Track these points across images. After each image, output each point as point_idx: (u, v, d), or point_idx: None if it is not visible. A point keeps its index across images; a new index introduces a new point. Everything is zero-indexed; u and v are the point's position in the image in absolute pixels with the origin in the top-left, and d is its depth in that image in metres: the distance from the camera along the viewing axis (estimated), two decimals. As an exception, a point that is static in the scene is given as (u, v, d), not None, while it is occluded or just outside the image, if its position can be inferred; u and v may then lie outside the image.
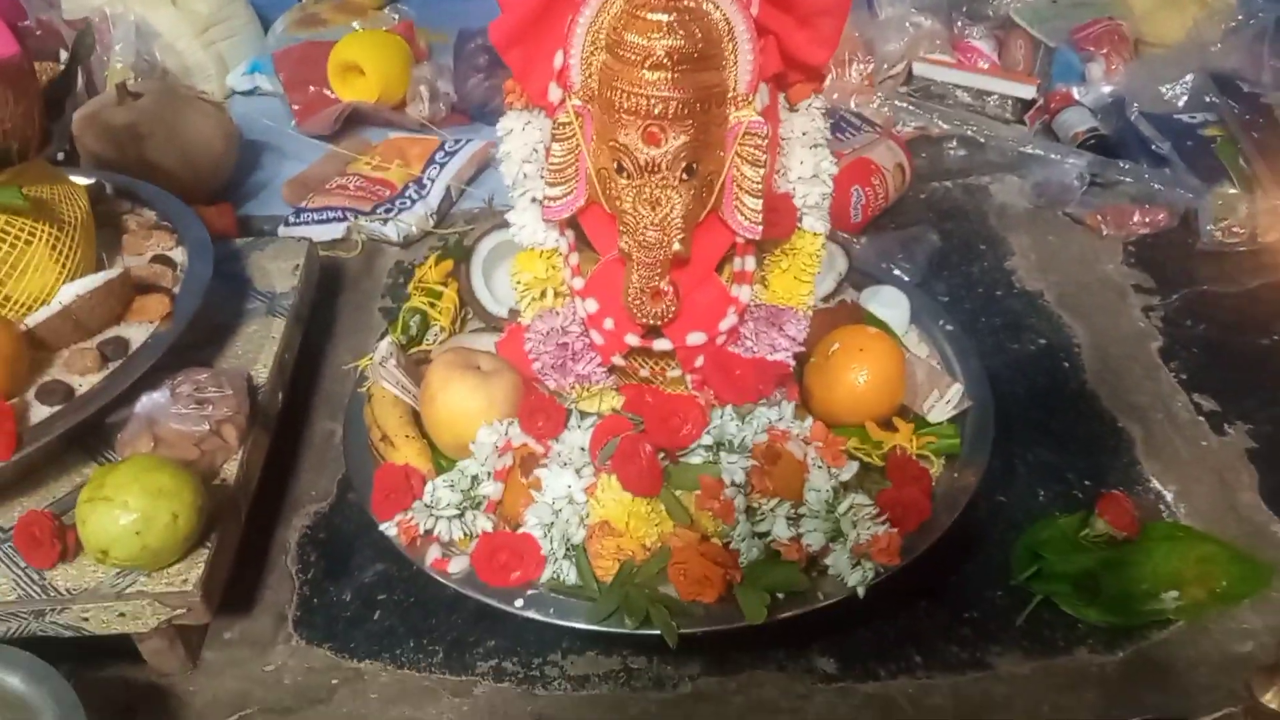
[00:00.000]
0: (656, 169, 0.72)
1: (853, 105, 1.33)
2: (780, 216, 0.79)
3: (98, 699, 0.65)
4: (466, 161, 1.33)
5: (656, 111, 0.70)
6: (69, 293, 0.80)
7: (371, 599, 0.82)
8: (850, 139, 1.23)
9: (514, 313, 0.92)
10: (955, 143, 1.30)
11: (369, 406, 0.87)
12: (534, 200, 0.82)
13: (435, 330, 0.96)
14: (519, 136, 0.81)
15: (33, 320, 0.79)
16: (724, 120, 0.73)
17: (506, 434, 0.79)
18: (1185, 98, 1.24)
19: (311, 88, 1.51)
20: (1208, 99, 1.21)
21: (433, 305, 0.96)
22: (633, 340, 0.79)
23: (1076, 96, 1.32)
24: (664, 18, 0.69)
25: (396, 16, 1.62)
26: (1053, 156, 1.21)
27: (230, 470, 0.79)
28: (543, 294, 0.84)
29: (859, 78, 1.38)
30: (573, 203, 0.77)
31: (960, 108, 1.33)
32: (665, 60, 0.69)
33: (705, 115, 0.72)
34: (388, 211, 1.24)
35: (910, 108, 1.30)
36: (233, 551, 0.77)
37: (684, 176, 0.72)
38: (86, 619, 0.71)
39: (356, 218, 1.23)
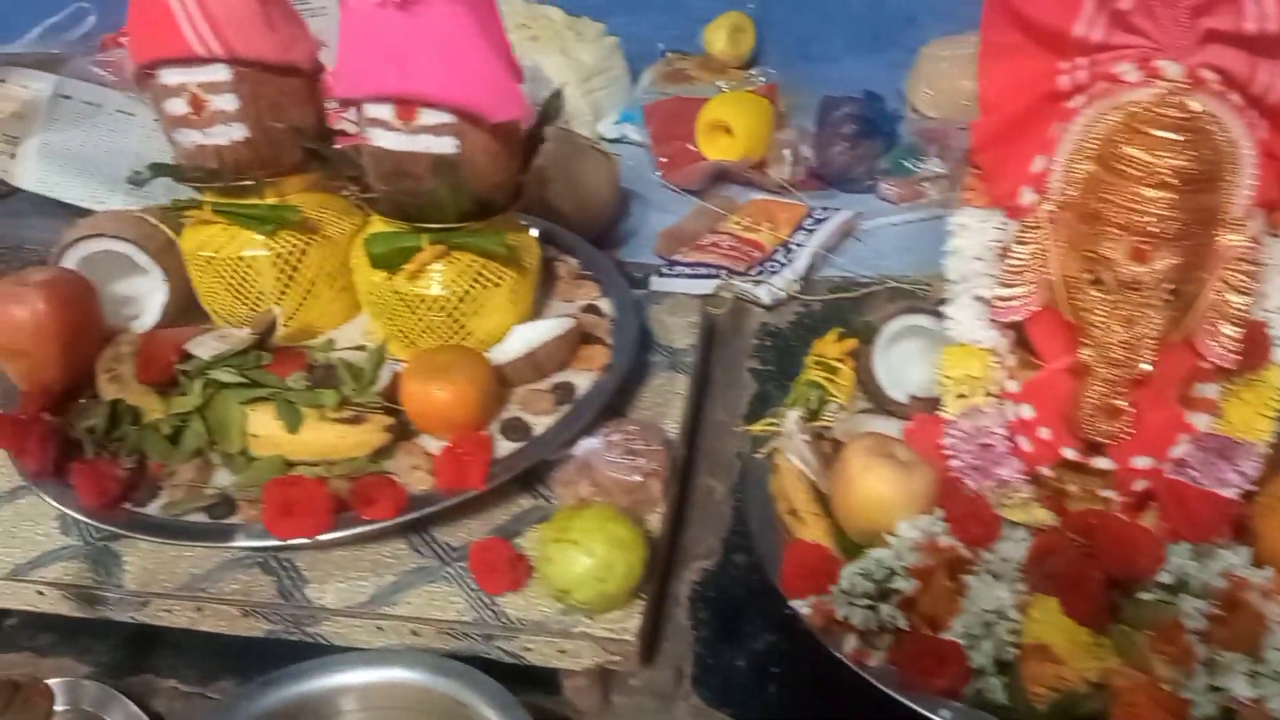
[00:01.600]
0: (1139, 286, 0.70)
1: None
2: (1254, 346, 0.75)
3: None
4: (833, 231, 1.34)
5: (1151, 230, 0.68)
6: (534, 336, 0.87)
7: (765, 669, 0.83)
8: None
9: (918, 401, 0.92)
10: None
11: (774, 477, 0.89)
12: (976, 298, 0.82)
13: (832, 406, 0.97)
14: (974, 234, 0.81)
15: (503, 359, 0.86)
16: (1212, 243, 0.70)
17: (930, 531, 0.78)
18: None
19: (678, 142, 1.57)
20: None
21: (831, 381, 0.97)
22: (1070, 454, 0.77)
23: None
24: (1175, 136, 0.67)
25: (764, 78, 1.67)
26: None
27: (653, 523, 0.83)
28: (969, 391, 0.83)
29: None
30: (1026, 307, 0.76)
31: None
32: (1171, 180, 0.67)
33: (1198, 237, 0.69)
34: (759, 273, 1.27)
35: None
36: (657, 606, 0.81)
37: (1167, 298, 0.70)
38: (529, 649, 0.75)
39: (729, 276, 1.26)
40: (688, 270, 1.29)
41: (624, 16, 1.73)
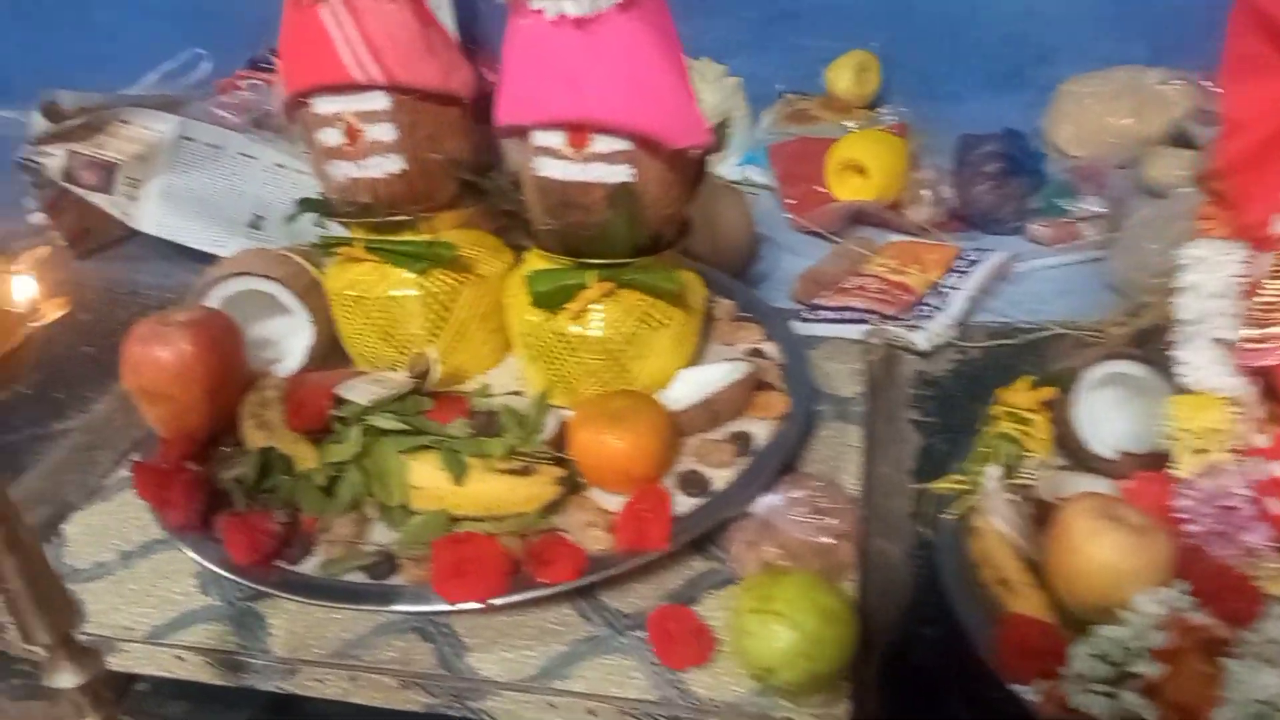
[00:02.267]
0: None
1: None
2: None
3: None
4: (988, 274, 1.26)
5: None
6: (708, 381, 0.80)
7: (974, 760, 0.74)
8: None
9: (1132, 457, 0.83)
10: None
11: (975, 541, 0.80)
12: (1215, 340, 0.73)
13: (1028, 462, 0.88)
14: (1212, 268, 0.73)
15: (677, 405, 0.79)
16: None
17: (1176, 606, 0.68)
18: None
19: (805, 183, 1.50)
20: None
21: (1025, 433, 0.88)
22: (1337, 519, 0.67)
23: None
24: None
25: (894, 117, 1.60)
26: None
27: (848, 591, 0.74)
28: (1207, 447, 0.74)
29: None
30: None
31: None
32: None
33: None
34: (912, 318, 1.18)
35: None
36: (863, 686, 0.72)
37: None
38: (722, 733, 0.67)
39: (880, 321, 1.18)
40: (832, 315, 1.22)
41: (745, 58, 1.68)
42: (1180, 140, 1.48)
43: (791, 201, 1.50)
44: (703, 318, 0.88)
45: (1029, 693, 0.69)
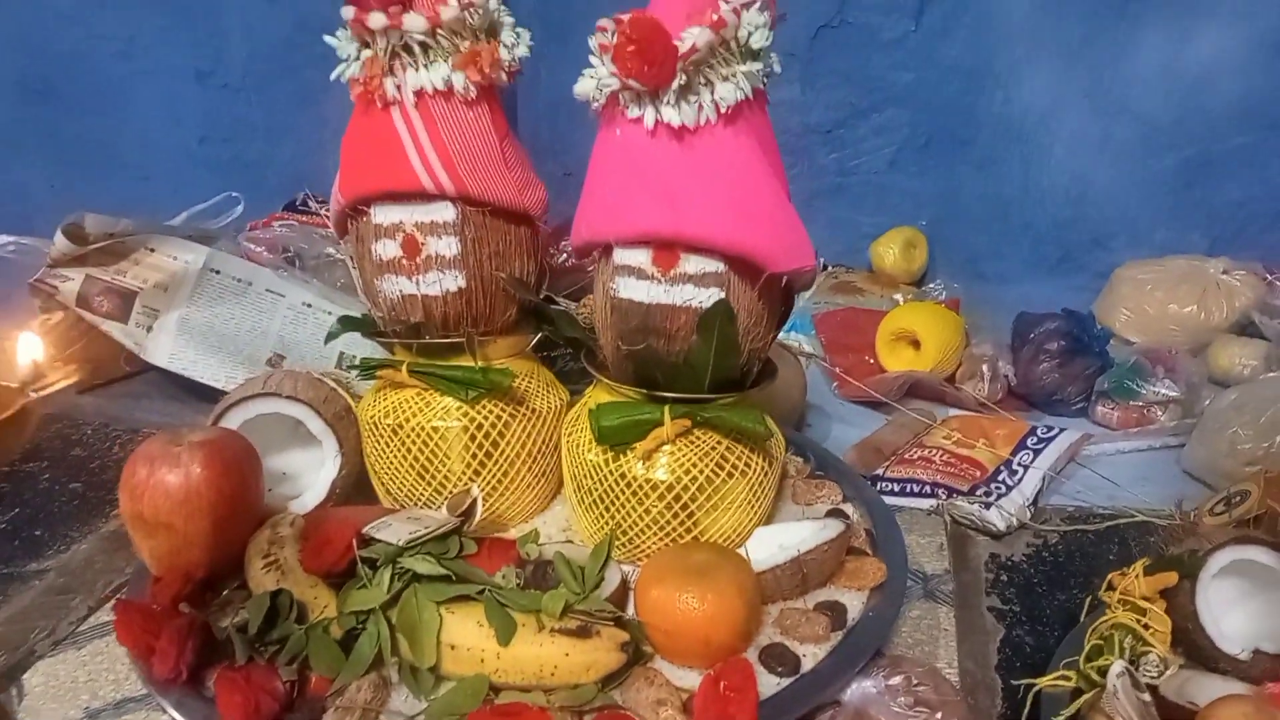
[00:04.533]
0: None
1: None
2: None
3: None
4: (1062, 453, 1.17)
5: None
6: (793, 541, 0.69)
7: None
8: None
9: (1265, 656, 0.71)
10: None
11: (1105, 750, 0.67)
12: None
13: (1151, 659, 0.76)
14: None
15: (761, 566, 0.68)
16: None
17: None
18: None
19: (854, 353, 1.44)
20: None
21: (1144, 626, 0.77)
22: None
23: None
24: None
25: (944, 292, 1.55)
26: None
27: (960, 803, 0.61)
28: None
29: None
30: None
31: None
32: None
33: None
34: (987, 495, 1.08)
35: None
36: None
37: None
38: None
39: (950, 496, 1.08)
40: (896, 487, 1.12)
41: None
42: (1247, 330, 1.43)
43: (839, 370, 1.43)
44: (778, 471, 0.78)
45: None
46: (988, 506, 1.07)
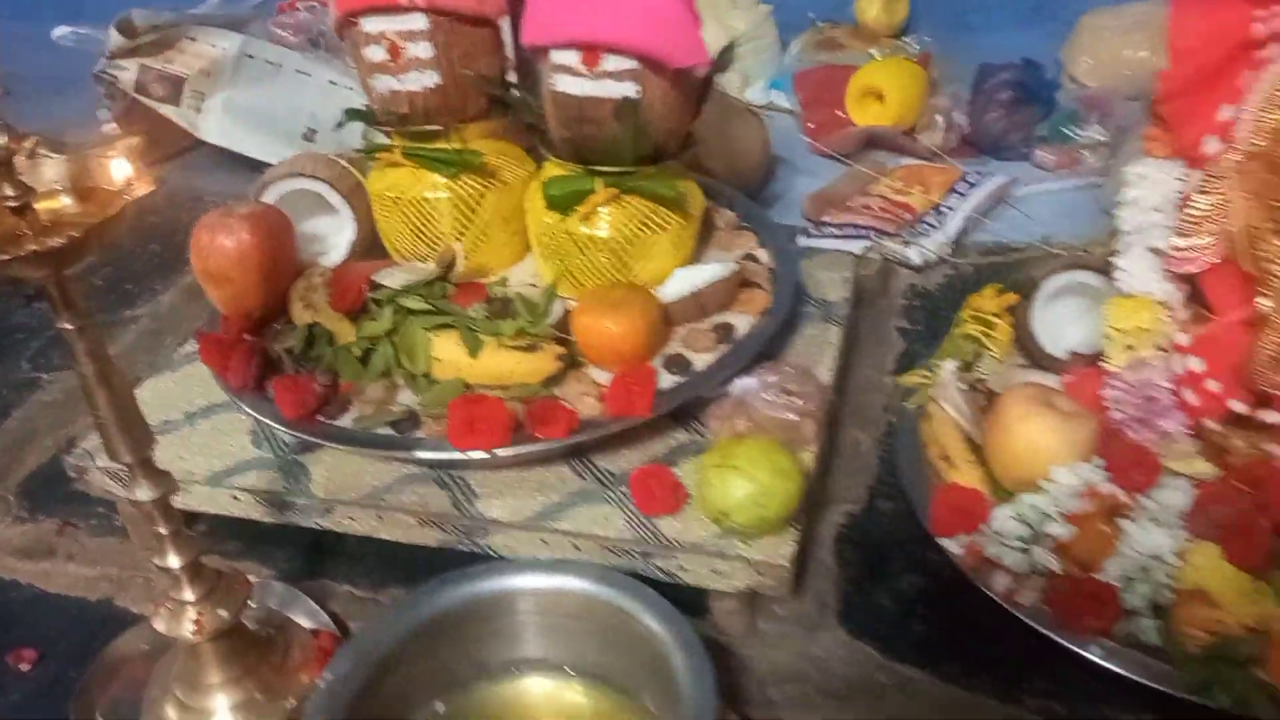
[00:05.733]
0: (1325, 238, 0.69)
1: None
2: None
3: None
4: (986, 196, 1.34)
5: (1340, 181, 0.67)
6: (698, 279, 0.90)
7: (911, 608, 0.85)
8: None
9: (1078, 357, 0.92)
10: None
11: (927, 424, 0.90)
12: (1151, 250, 0.81)
13: (988, 359, 0.97)
14: (1153, 184, 0.81)
15: (670, 297, 0.90)
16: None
17: (1089, 478, 0.79)
18: None
19: (827, 108, 1.58)
20: None
21: (987, 334, 0.98)
22: (1239, 407, 0.76)
23: None
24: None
25: (918, 46, 1.66)
26: None
27: (805, 461, 0.85)
28: (1137, 344, 0.83)
29: None
30: (1204, 258, 0.76)
31: None
32: (1365, 128, 0.66)
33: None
34: (909, 235, 1.27)
35: None
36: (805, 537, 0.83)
37: (1354, 249, 0.68)
38: (685, 569, 0.79)
39: (879, 237, 1.27)
40: (836, 231, 1.31)
41: (779, -14, 1.75)
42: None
43: (812, 126, 1.58)
44: (700, 224, 0.98)
45: (954, 546, 0.80)
46: (908, 245, 1.26)
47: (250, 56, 1.56)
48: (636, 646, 0.72)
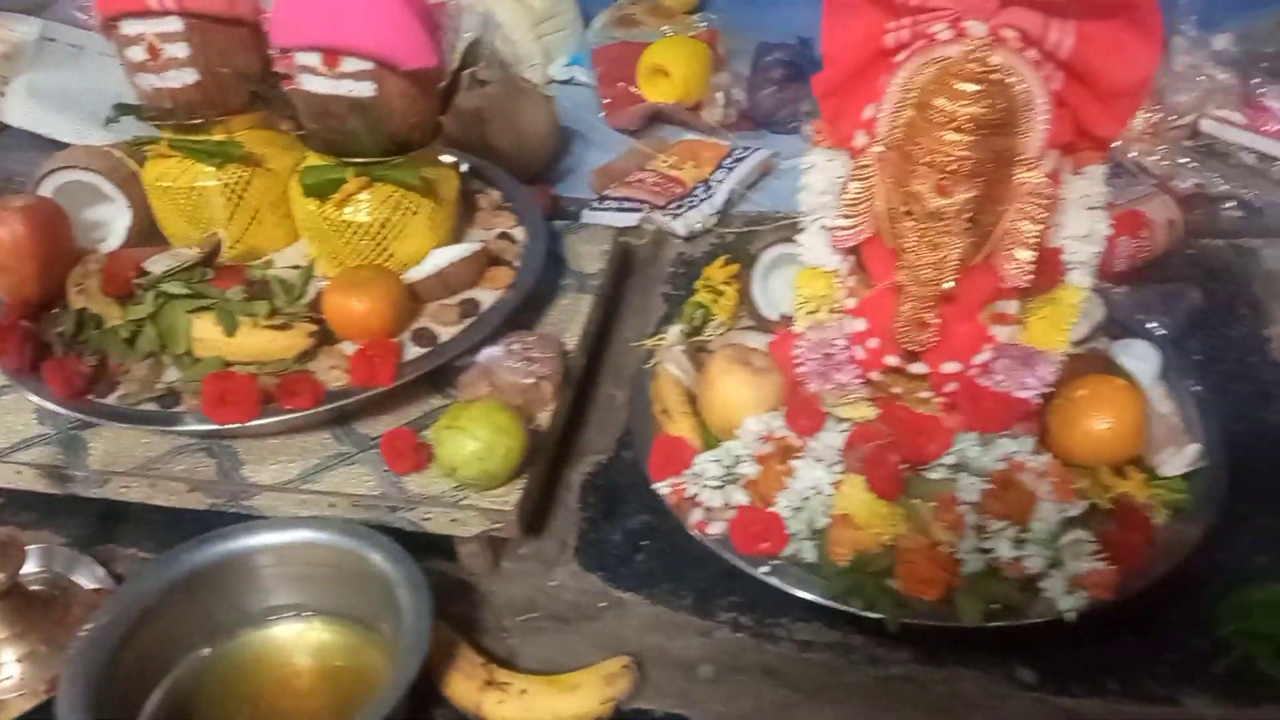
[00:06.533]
0: (941, 217, 0.82)
1: (1134, 155, 1.36)
2: (1047, 269, 0.87)
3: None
4: (751, 169, 1.46)
5: (950, 169, 0.80)
6: (443, 258, 1.00)
7: (636, 542, 0.97)
8: (1127, 189, 1.27)
9: (785, 318, 1.05)
10: (1234, 204, 1.31)
11: (654, 382, 1.03)
12: (824, 227, 0.94)
13: (714, 324, 1.10)
14: (822, 171, 0.93)
15: (415, 277, 0.99)
16: (1010, 180, 0.82)
17: (770, 425, 0.92)
18: None
19: (621, 84, 1.68)
20: None
21: (715, 301, 1.10)
22: (892, 360, 0.90)
23: (1373, 171, 1.29)
24: (972, 88, 0.78)
25: (705, 24, 1.77)
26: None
27: (543, 419, 0.97)
28: (817, 308, 0.96)
29: (1144, 126, 1.40)
30: (860, 234, 0.89)
31: (1243, 169, 1.34)
32: (967, 125, 0.79)
33: (994, 174, 0.81)
34: (678, 208, 1.39)
35: (1192, 164, 1.32)
36: (539, 485, 0.95)
37: (966, 226, 0.82)
38: (428, 519, 0.90)
39: (651, 210, 1.39)
40: (615, 204, 1.42)
41: (578, -38, 1.83)
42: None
43: (607, 101, 1.68)
44: (456, 206, 1.08)
45: (664, 488, 0.92)
46: (675, 217, 1.38)
47: (51, 40, 1.58)
48: (371, 585, 0.82)
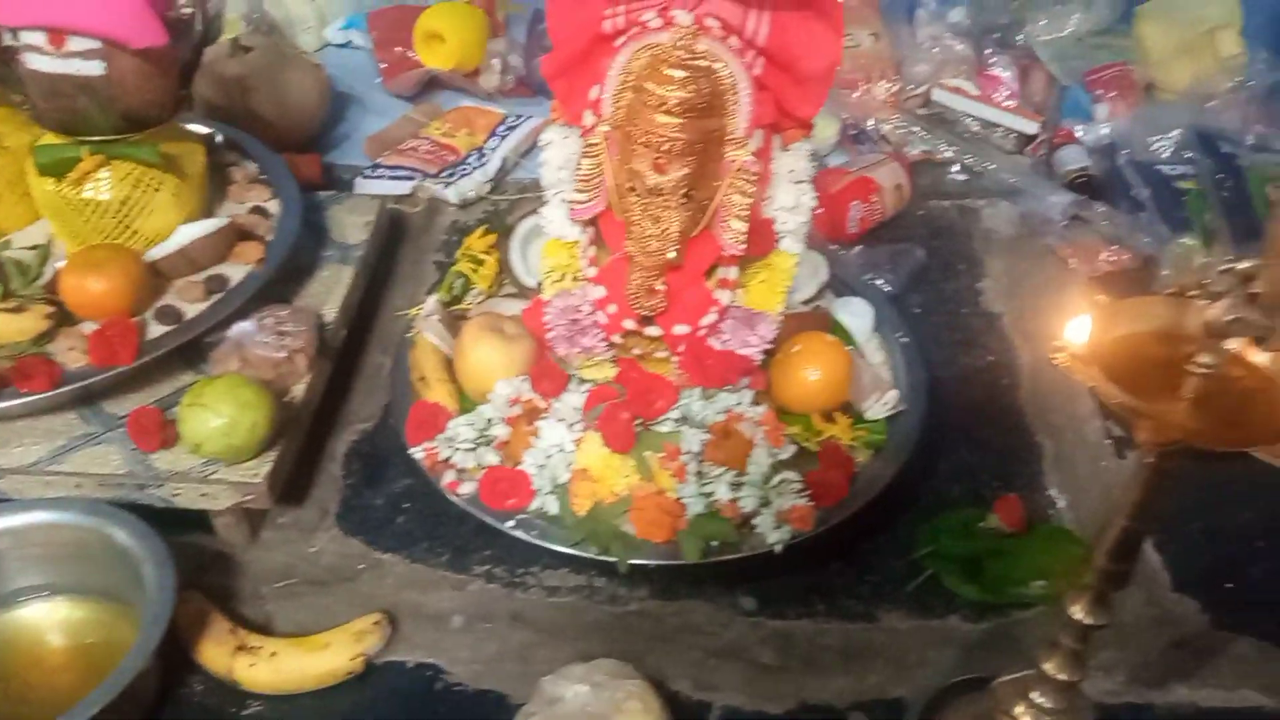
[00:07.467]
0: (660, 193, 0.89)
1: (873, 123, 1.47)
2: (761, 238, 0.96)
3: (178, 558, 0.84)
4: (524, 137, 1.50)
5: (664, 148, 0.87)
6: (186, 235, 1.00)
7: (398, 505, 1.01)
8: (861, 157, 1.38)
9: (541, 286, 1.10)
10: (958, 168, 1.44)
11: (413, 350, 1.06)
12: (564, 201, 1.00)
13: (475, 292, 1.14)
14: (559, 148, 0.98)
15: (157, 254, 0.99)
16: (721, 157, 0.90)
17: (519, 389, 0.97)
18: (1171, 150, 1.36)
19: (398, 49, 1.68)
20: (1187, 154, 1.33)
21: (475, 271, 1.15)
22: (629, 325, 0.97)
23: (1079, 135, 1.45)
24: (679, 74, 0.85)
25: (481, -9, 1.78)
26: (1037, 191, 1.34)
27: (298, 391, 0.99)
28: (562, 277, 1.02)
29: (885, 96, 1.52)
30: (594, 208, 0.95)
31: (968, 136, 1.47)
32: (675, 109, 0.85)
33: (705, 153, 0.88)
34: (450, 176, 1.42)
35: (922, 133, 1.45)
36: (295, 455, 0.98)
37: (683, 200, 0.89)
38: (177, 494, 0.91)
39: (423, 179, 1.41)
40: (388, 173, 1.43)
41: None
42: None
43: (384, 66, 1.67)
44: (203, 181, 1.08)
45: (419, 452, 0.97)
46: (448, 185, 1.41)
47: None
48: (116, 562, 0.84)
